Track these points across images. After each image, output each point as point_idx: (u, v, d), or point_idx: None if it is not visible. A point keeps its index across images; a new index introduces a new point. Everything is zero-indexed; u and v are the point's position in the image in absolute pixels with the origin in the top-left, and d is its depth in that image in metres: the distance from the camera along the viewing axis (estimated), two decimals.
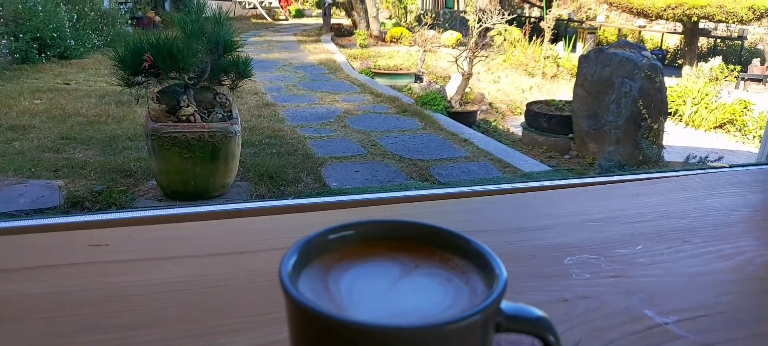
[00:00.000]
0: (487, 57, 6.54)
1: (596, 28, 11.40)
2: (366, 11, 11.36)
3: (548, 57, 8.63)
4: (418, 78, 7.38)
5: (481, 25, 6.61)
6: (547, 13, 8.89)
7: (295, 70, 7.84)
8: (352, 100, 6.10)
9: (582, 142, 4.80)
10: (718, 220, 0.62)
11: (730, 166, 0.90)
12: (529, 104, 5.64)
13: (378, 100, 6.09)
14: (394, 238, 0.32)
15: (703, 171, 0.83)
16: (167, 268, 0.49)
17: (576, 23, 11.96)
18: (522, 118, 5.76)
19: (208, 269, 0.49)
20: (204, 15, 3.07)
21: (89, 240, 0.53)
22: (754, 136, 6.01)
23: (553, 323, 0.29)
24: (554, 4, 9.37)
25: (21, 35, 6.57)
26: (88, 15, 8.13)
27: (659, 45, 11.74)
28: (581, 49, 9.54)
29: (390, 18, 13.76)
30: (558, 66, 8.63)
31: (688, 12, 9.04)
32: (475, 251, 0.30)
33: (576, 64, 5.36)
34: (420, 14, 13.15)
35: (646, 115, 4.23)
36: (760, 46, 11.32)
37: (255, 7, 14.96)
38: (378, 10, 11.67)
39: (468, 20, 8.28)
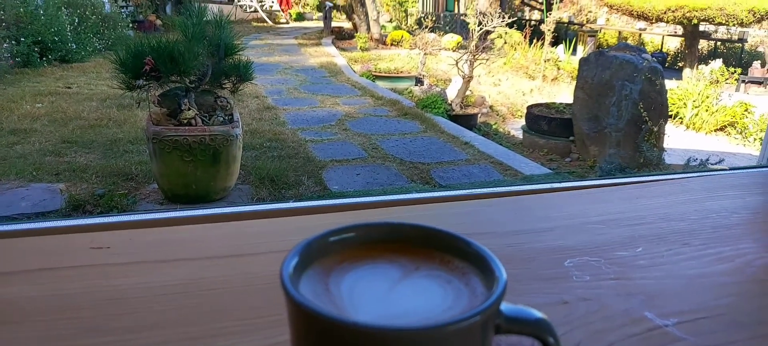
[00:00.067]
0: (487, 60, 6.55)
1: (596, 31, 11.42)
2: (367, 14, 11.38)
3: (549, 60, 8.64)
4: (418, 81, 7.38)
5: (481, 28, 6.62)
6: (547, 16, 8.90)
7: (296, 74, 7.85)
8: (353, 103, 6.11)
9: (583, 145, 4.80)
10: (718, 222, 0.62)
11: (730, 169, 0.90)
12: (529, 107, 5.64)
13: (379, 104, 6.09)
14: (395, 240, 0.32)
15: (702, 173, 0.83)
16: (167, 271, 0.49)
17: (576, 26, 11.98)
18: (522, 121, 5.76)
19: (207, 272, 0.49)
20: (205, 18, 3.08)
21: (90, 243, 0.53)
22: (754, 139, 6.00)
23: (553, 325, 0.29)
24: (554, 7, 9.38)
25: (22, 39, 6.59)
26: (89, 19, 8.15)
27: (660, 48, 11.75)
28: (582, 51, 9.55)
29: (390, 21, 13.79)
30: (558, 69, 8.64)
31: (688, 15, 9.05)
32: (474, 253, 0.30)
33: (576, 67, 5.36)
34: (420, 17, 13.17)
35: (647, 118, 4.23)
36: (760, 49, 11.33)
37: (256, 11, 14.99)
38: (379, 13, 11.69)
39: (468, 23, 8.30)
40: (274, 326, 0.40)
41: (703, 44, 11.10)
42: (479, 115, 6.20)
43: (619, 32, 12.09)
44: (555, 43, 9.39)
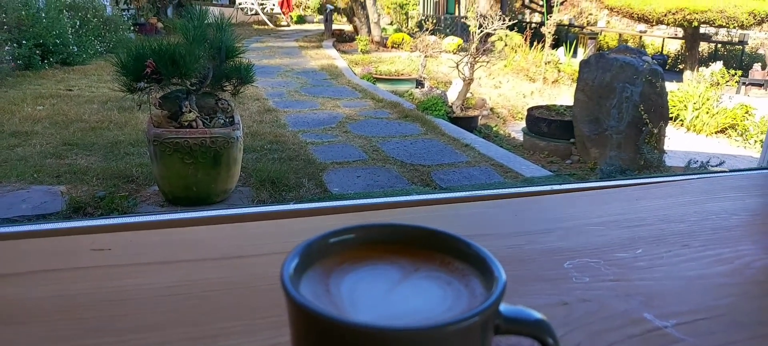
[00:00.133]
0: (488, 62, 6.56)
1: (597, 34, 11.43)
2: (367, 17, 11.40)
3: (549, 62, 8.65)
4: (419, 83, 7.39)
5: (482, 31, 6.63)
6: (547, 19, 8.91)
7: (296, 76, 7.86)
8: (354, 105, 6.12)
9: (583, 147, 4.80)
10: (718, 224, 0.63)
11: (730, 171, 0.90)
12: (530, 109, 5.65)
13: (379, 106, 6.10)
14: (395, 241, 0.32)
15: (702, 175, 0.83)
16: (168, 272, 0.49)
17: (577, 28, 11.99)
18: (523, 123, 5.76)
19: (209, 273, 0.49)
20: (206, 21, 3.09)
21: (92, 245, 0.53)
22: (755, 141, 6.00)
23: (552, 326, 0.29)
24: (555, 9, 9.39)
25: (24, 42, 6.61)
26: (90, 21, 8.17)
27: (660, 50, 11.76)
28: (582, 54, 9.56)
29: (391, 24, 13.81)
30: (559, 71, 8.64)
31: (688, 17, 9.06)
32: (474, 255, 0.30)
33: (577, 69, 5.37)
34: (421, 20, 13.19)
35: (647, 120, 4.24)
36: (760, 51, 11.33)
37: (257, 13, 15.02)
38: (379, 16, 11.71)
39: (469, 26, 8.31)
40: (275, 327, 0.41)
41: (704, 47, 11.11)
42: (480, 117, 6.20)
43: (620, 35, 12.10)
44: (555, 45, 9.40)
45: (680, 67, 10.49)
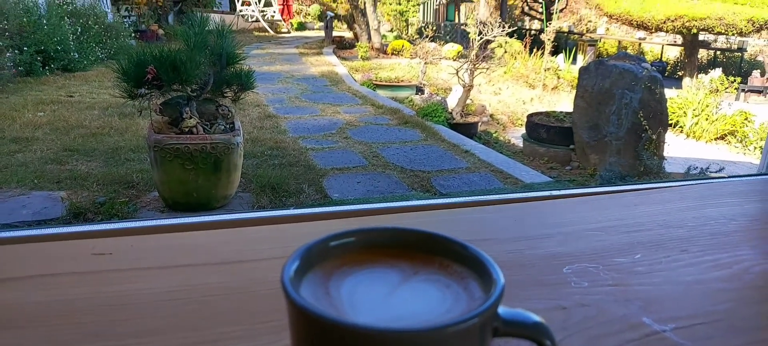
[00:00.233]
0: (488, 69, 6.57)
1: (596, 41, 11.47)
2: (368, 24, 11.44)
3: (549, 69, 8.67)
4: (419, 90, 7.41)
5: (481, 38, 6.65)
6: (547, 26, 8.95)
7: (297, 82, 7.88)
8: (354, 111, 6.13)
9: (583, 153, 4.81)
10: (716, 229, 0.63)
11: (729, 177, 0.90)
12: (529, 116, 5.66)
13: (379, 112, 6.11)
14: (394, 245, 0.32)
15: (701, 181, 0.83)
16: (169, 277, 0.49)
17: (576, 35, 12.03)
18: (523, 130, 5.77)
19: (209, 278, 0.49)
20: (207, 28, 3.10)
21: (92, 249, 0.54)
22: (755, 148, 6.01)
23: (550, 329, 0.29)
24: (554, 16, 9.43)
25: (25, 48, 6.63)
26: (92, 28, 8.20)
27: (659, 57, 11.79)
28: (581, 61, 9.58)
29: (391, 31, 13.86)
30: (558, 78, 8.66)
31: (687, 24, 9.09)
32: (473, 258, 0.30)
33: (576, 75, 5.38)
34: (421, 27, 13.24)
35: (647, 127, 4.24)
36: (759, 58, 11.36)
37: (257, 20, 15.07)
38: (379, 22, 11.75)
39: (469, 33, 8.34)
40: (276, 331, 0.41)
41: (703, 53, 11.14)
42: (480, 123, 6.21)
43: (619, 42, 12.14)
44: (555, 52, 9.42)
45: (679, 73, 10.52)
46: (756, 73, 9.03)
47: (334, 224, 0.66)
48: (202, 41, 3.00)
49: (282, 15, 15.61)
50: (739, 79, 8.12)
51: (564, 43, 11.34)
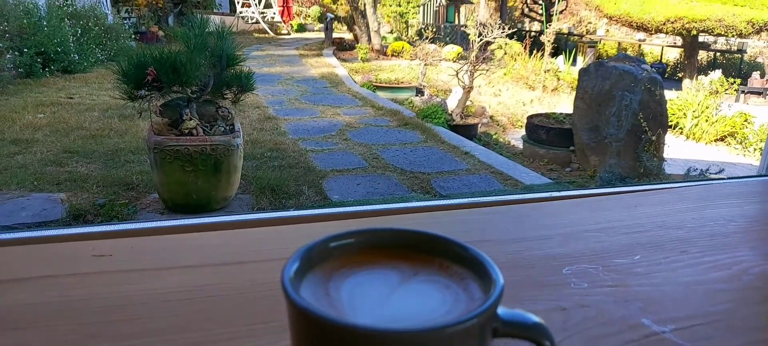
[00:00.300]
0: (487, 70, 6.58)
1: (596, 42, 11.48)
2: (367, 26, 11.45)
3: (549, 70, 8.68)
4: (419, 91, 7.41)
5: (481, 39, 6.66)
6: (547, 27, 8.96)
7: (297, 84, 7.88)
8: (354, 113, 6.13)
9: (583, 154, 4.81)
10: (716, 230, 0.63)
11: (728, 178, 0.90)
12: (529, 117, 5.66)
13: (379, 114, 6.11)
14: (394, 246, 0.33)
15: (700, 182, 0.84)
16: (169, 278, 0.49)
17: (576, 37, 12.04)
18: (523, 131, 5.77)
19: (209, 279, 0.49)
20: (207, 29, 3.10)
21: (93, 251, 0.54)
22: (755, 149, 6.01)
23: (550, 329, 0.29)
24: (554, 18, 9.44)
25: (25, 50, 6.64)
26: (92, 30, 8.21)
27: (659, 58, 11.80)
28: (581, 62, 9.59)
29: (391, 32, 13.87)
30: (558, 79, 8.67)
31: (687, 26, 9.10)
32: (472, 259, 0.30)
33: (576, 77, 5.39)
34: (421, 28, 13.25)
35: (647, 128, 4.25)
36: (759, 60, 11.37)
37: (257, 22, 15.09)
38: (379, 24, 11.76)
39: (469, 34, 8.34)
40: (276, 332, 0.41)
41: (703, 55, 11.15)
42: (480, 125, 6.21)
43: (619, 43, 12.15)
44: (555, 53, 9.43)
45: (679, 75, 10.52)
46: (756, 74, 9.04)
47: (333, 226, 0.66)
48: (202, 43, 3.00)
49: (282, 17, 15.63)
50: (738, 80, 8.13)
51: (564, 45, 11.35)
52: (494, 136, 6.24)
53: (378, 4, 11.97)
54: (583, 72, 4.97)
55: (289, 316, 0.27)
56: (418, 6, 14.38)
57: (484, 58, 6.46)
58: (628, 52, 10.34)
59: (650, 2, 9.46)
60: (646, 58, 11.01)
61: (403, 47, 10.89)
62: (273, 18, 15.42)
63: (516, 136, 6.32)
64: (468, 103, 6.28)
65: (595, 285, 0.49)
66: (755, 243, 0.61)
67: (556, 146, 5.11)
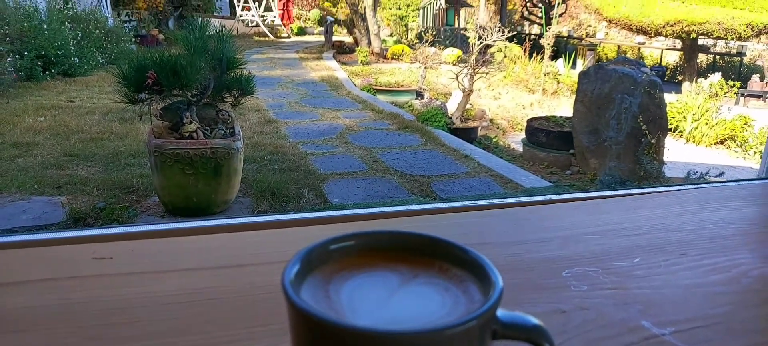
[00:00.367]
0: (487, 74, 6.59)
1: (596, 45, 11.49)
2: (367, 29, 11.47)
3: (548, 74, 8.69)
4: (419, 95, 7.42)
5: (481, 42, 6.67)
6: (546, 31, 8.97)
7: (297, 87, 7.90)
8: (354, 116, 6.14)
9: (583, 157, 4.81)
10: (715, 233, 0.63)
11: (727, 181, 0.90)
12: (529, 120, 5.67)
13: (379, 117, 6.12)
14: (394, 249, 0.33)
15: (699, 185, 0.84)
16: (169, 281, 0.49)
17: (576, 40, 12.06)
18: (523, 134, 5.78)
19: (209, 282, 0.49)
20: (207, 33, 3.11)
21: (93, 254, 0.54)
22: (754, 152, 6.01)
23: (549, 331, 0.29)
24: (554, 21, 9.45)
25: (26, 53, 6.65)
26: (92, 33, 8.22)
27: (659, 62, 11.82)
28: (581, 65, 9.60)
29: (391, 35, 13.90)
30: (558, 82, 8.68)
31: (686, 29, 9.12)
32: (472, 261, 0.30)
33: (576, 80, 5.40)
34: (421, 32, 13.28)
35: (647, 131, 4.25)
36: (759, 63, 11.39)
37: (258, 25, 15.12)
38: (379, 27, 11.78)
39: (468, 37, 8.36)
40: (276, 334, 0.41)
41: (702, 58, 11.17)
42: (479, 128, 6.22)
43: (619, 46, 12.17)
44: (554, 57, 9.45)
45: (679, 78, 10.54)
46: (755, 77, 9.05)
47: (333, 229, 0.66)
48: (202, 46, 3.01)
49: (282, 20, 15.66)
50: (738, 83, 8.15)
51: (563, 48, 11.37)
52: (494, 140, 6.24)
53: (378, 8, 12.00)
54: (582, 75, 4.97)
55: (290, 318, 0.27)
56: (418, 9, 14.41)
57: (483, 62, 6.47)
58: (628, 56, 10.36)
59: (650, 5, 9.48)
60: (645, 61, 11.02)
61: (403, 50, 10.91)
62: (273, 21, 15.44)
63: (516, 140, 6.33)
64: (468, 106, 6.28)
65: (594, 288, 0.49)
66: (754, 246, 0.61)
67: (555, 149, 5.11)
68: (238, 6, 14.99)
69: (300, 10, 18.04)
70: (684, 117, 6.60)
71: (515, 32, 10.16)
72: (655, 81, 4.45)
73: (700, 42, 10.08)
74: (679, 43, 10.49)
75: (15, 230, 2.82)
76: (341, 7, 13.39)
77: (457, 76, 6.24)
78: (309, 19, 17.80)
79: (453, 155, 4.74)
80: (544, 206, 0.76)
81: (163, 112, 3.08)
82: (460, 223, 0.67)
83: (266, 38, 14.69)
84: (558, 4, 10.08)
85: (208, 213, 3.10)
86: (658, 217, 0.68)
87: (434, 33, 11.70)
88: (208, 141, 3.00)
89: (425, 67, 7.55)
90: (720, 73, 8.90)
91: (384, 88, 7.69)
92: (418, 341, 0.24)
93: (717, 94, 7.12)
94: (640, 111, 4.32)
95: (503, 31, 7.07)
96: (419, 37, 12.67)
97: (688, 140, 6.54)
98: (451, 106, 6.44)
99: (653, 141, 4.24)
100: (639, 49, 11.96)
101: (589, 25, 11.86)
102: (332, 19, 13.60)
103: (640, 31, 9.87)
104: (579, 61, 10.13)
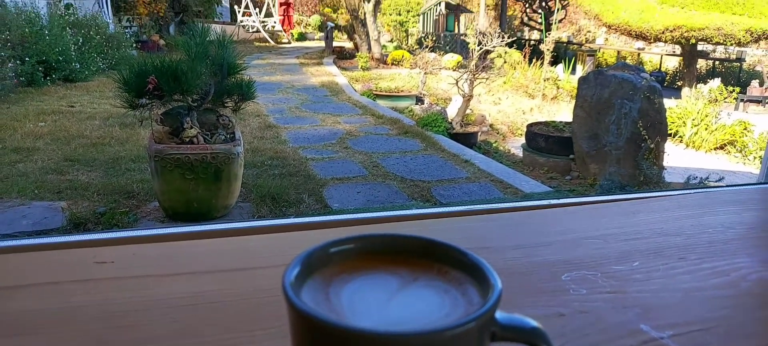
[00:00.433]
0: (487, 79, 6.60)
1: (595, 51, 11.53)
2: (368, 34, 11.50)
3: (548, 79, 8.70)
4: (419, 100, 7.43)
5: (481, 48, 6.69)
6: (546, 36, 9.00)
7: (297, 93, 7.91)
8: (354, 121, 6.15)
9: (583, 162, 4.81)
10: (714, 237, 0.63)
11: (726, 186, 0.91)
12: (529, 125, 5.67)
13: (379, 122, 6.13)
14: (393, 252, 0.33)
15: (699, 190, 0.84)
16: (170, 285, 0.50)
17: (575, 46, 12.09)
18: (523, 140, 5.78)
19: (210, 286, 0.49)
20: (208, 38, 3.12)
21: (95, 258, 0.54)
22: (754, 157, 6.01)
23: (548, 334, 0.29)
24: (554, 27, 9.48)
25: (27, 58, 6.66)
26: (93, 39, 8.25)
27: (658, 67, 11.84)
28: (581, 71, 9.62)
29: (391, 41, 13.93)
30: (558, 88, 8.69)
31: (686, 34, 9.14)
32: (471, 264, 0.31)
33: (576, 85, 5.41)
34: (421, 37, 13.31)
35: (646, 136, 4.26)
36: (758, 68, 11.41)
37: (258, 31, 15.16)
38: (379, 33, 11.81)
39: (468, 43, 8.38)
40: (276, 338, 0.41)
41: (702, 63, 11.19)
42: (479, 133, 6.23)
43: (618, 52, 12.20)
44: (554, 62, 9.47)
45: (678, 83, 10.55)
46: (755, 83, 9.07)
47: (333, 233, 0.66)
48: (203, 51, 3.02)
49: (283, 25, 15.70)
50: (737, 89, 8.16)
51: (563, 54, 11.39)
52: (494, 145, 6.25)
53: (378, 13, 12.03)
54: (582, 80, 4.98)
55: (290, 320, 0.27)
56: (418, 15, 14.46)
57: (483, 67, 6.48)
58: (628, 61, 10.38)
59: (649, 11, 9.51)
60: (645, 67, 11.05)
61: (403, 56, 10.93)
62: (273, 27, 15.49)
63: (516, 145, 6.33)
64: (468, 111, 6.29)
65: (593, 291, 0.50)
66: (753, 250, 0.62)
67: (555, 154, 5.12)
68: (239, 12, 15.04)
69: (300, 15, 18.10)
70: (684, 122, 6.61)
71: (515, 38, 10.18)
72: (654, 86, 4.46)
73: (699, 47, 10.10)
74: (678, 49, 10.51)
75: (15, 235, 2.82)
76: (342, 13, 13.43)
77: (457, 82, 6.25)
78: (309, 25, 17.85)
79: (453, 160, 4.74)
80: (543, 210, 0.76)
81: (163, 117, 3.09)
82: (460, 227, 0.67)
83: (267, 44, 14.72)
84: (558, 9, 10.12)
85: (209, 218, 3.10)
86: (657, 221, 0.68)
87: (434, 38, 11.73)
88: (209, 146, 3.00)
89: (425, 73, 7.57)
90: (719, 78, 8.92)
91: (384, 93, 7.70)
92: (418, 342, 0.24)
93: (716, 100, 7.13)
94: (639, 116, 4.32)
95: (503, 37, 7.09)
96: (419, 42, 12.70)
97: (687, 145, 6.55)
98: (451, 112, 6.45)
99: (653, 146, 4.25)
100: (638, 54, 11.98)
101: (589, 31, 11.90)
102: (333, 24, 13.64)
103: (640, 36, 9.90)
104: (579, 67, 10.15)
